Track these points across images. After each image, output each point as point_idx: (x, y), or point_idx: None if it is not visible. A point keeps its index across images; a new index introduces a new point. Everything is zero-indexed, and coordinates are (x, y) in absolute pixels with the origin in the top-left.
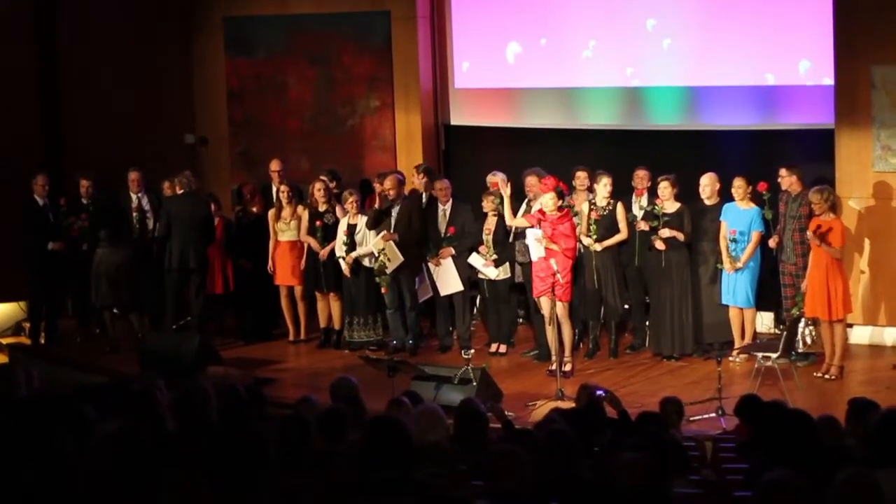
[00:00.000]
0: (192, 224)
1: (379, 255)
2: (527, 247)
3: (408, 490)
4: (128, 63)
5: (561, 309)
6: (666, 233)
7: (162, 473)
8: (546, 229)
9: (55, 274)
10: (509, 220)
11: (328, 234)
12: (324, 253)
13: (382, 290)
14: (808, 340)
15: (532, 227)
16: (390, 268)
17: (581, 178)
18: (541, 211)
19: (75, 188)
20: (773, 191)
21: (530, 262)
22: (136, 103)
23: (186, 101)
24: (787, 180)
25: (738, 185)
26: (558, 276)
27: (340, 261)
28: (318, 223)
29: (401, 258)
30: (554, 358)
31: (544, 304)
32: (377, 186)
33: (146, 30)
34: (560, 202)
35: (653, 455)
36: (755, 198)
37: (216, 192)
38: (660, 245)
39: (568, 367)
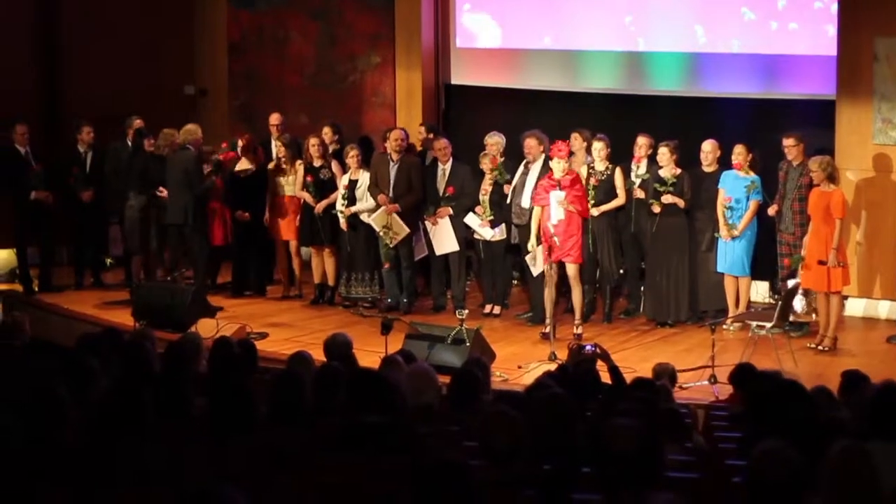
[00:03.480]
0: (175, 179)
1: (382, 231)
2: (523, 209)
3: (398, 440)
4: (128, 12)
5: (573, 270)
6: (668, 199)
7: (150, 426)
8: (566, 194)
9: (43, 223)
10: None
11: (322, 189)
12: (319, 207)
13: (385, 266)
14: (807, 309)
15: (553, 190)
16: (397, 240)
17: (578, 140)
18: (549, 176)
19: (73, 135)
20: (772, 161)
21: (526, 224)
22: (135, 53)
23: (187, 51)
24: (794, 149)
25: (739, 153)
26: (556, 239)
27: (339, 215)
28: (308, 178)
29: (406, 230)
30: (548, 321)
31: (556, 269)
32: (386, 143)
33: None
34: (567, 165)
35: (646, 421)
36: (754, 166)
37: (214, 143)
38: (656, 208)
39: (579, 331)
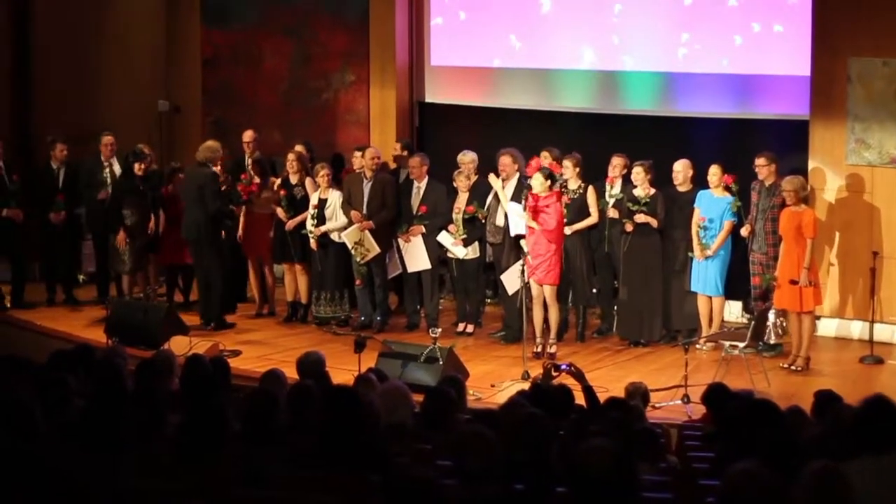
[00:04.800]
0: (190, 195)
1: (353, 248)
2: (497, 227)
3: (371, 464)
4: (102, 29)
5: (549, 292)
6: (641, 218)
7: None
8: (529, 204)
9: (15, 239)
10: (504, 203)
11: (295, 206)
12: (290, 224)
13: (357, 283)
14: (780, 332)
15: (514, 203)
16: (367, 258)
17: (547, 159)
18: (531, 192)
19: (46, 150)
20: (746, 181)
21: (500, 242)
22: (109, 70)
23: (161, 68)
24: (766, 169)
25: (713, 173)
26: (528, 256)
27: (309, 234)
28: (282, 192)
29: (378, 249)
30: (538, 340)
31: (534, 287)
32: (356, 160)
33: None
34: (549, 182)
35: (620, 441)
36: (729, 188)
37: (186, 160)
38: (629, 227)
39: (553, 350)
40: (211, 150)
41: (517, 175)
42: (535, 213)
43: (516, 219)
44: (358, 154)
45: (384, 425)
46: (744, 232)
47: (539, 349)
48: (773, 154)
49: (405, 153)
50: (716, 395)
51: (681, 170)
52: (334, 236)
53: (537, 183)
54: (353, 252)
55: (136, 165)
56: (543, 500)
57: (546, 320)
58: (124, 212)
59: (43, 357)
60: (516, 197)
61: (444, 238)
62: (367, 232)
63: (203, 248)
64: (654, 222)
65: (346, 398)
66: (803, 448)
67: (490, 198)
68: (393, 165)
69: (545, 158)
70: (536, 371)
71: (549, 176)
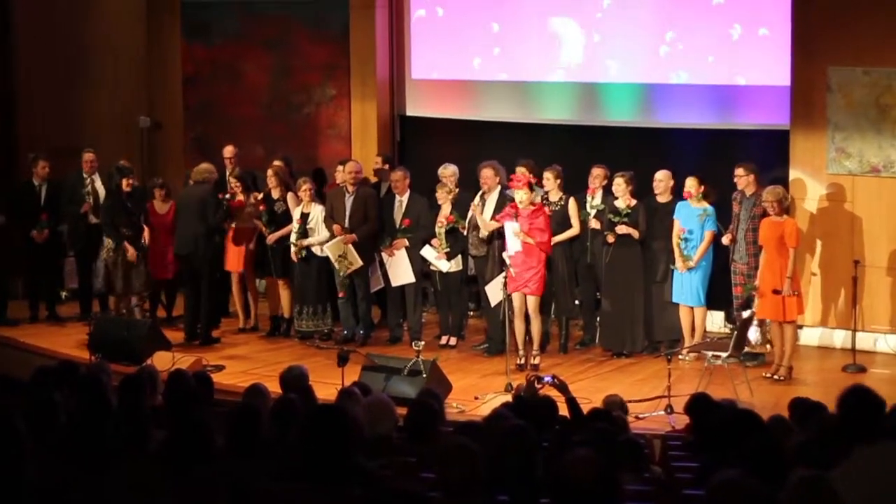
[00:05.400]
0: (190, 210)
1: (336, 261)
2: (480, 240)
3: (354, 479)
4: (83, 45)
5: (533, 303)
6: (622, 229)
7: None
8: (523, 224)
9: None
10: (485, 229)
11: (276, 221)
12: (271, 238)
13: (340, 295)
14: (763, 341)
15: (508, 221)
16: (350, 270)
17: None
18: (514, 206)
19: (28, 167)
20: (727, 191)
21: (483, 255)
22: (91, 85)
23: (141, 84)
24: (744, 179)
25: (690, 185)
26: (511, 270)
27: (292, 247)
28: (261, 207)
29: (360, 262)
30: (520, 352)
31: (515, 299)
32: (338, 175)
33: (103, 10)
34: (532, 195)
35: (604, 452)
36: (708, 196)
37: (168, 176)
38: (610, 238)
39: (536, 361)
40: (208, 171)
41: (499, 187)
42: (529, 229)
43: (512, 237)
44: (340, 168)
45: (368, 438)
46: (725, 241)
47: (522, 361)
48: (752, 164)
49: (386, 167)
50: (698, 405)
51: (662, 180)
52: (316, 250)
53: (525, 197)
54: (336, 265)
55: (125, 181)
56: None
57: (528, 332)
58: (122, 230)
59: (26, 374)
60: (499, 209)
61: (427, 252)
62: (350, 245)
63: (198, 263)
64: (635, 233)
65: (329, 415)
66: (788, 456)
67: (471, 211)
68: (374, 179)
69: (522, 172)
70: (519, 383)
71: (532, 189)
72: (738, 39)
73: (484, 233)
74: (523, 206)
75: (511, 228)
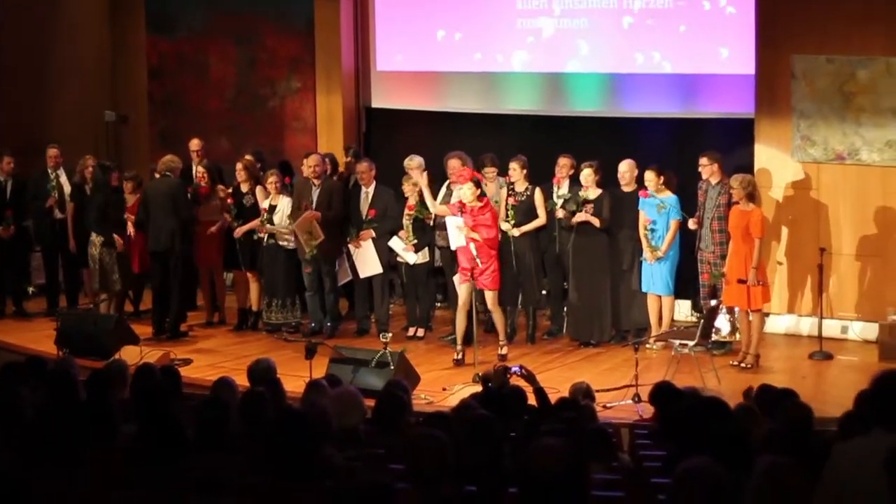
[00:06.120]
0: (160, 205)
1: (304, 239)
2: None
3: (322, 467)
4: (46, 40)
5: (490, 297)
6: (581, 216)
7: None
8: (467, 220)
9: None
10: (432, 208)
11: (244, 214)
12: (238, 232)
13: (306, 270)
14: (732, 329)
15: (453, 215)
16: (314, 245)
17: (490, 171)
18: (460, 202)
19: None
20: (693, 180)
21: (449, 246)
22: (54, 80)
23: (106, 78)
24: (708, 168)
25: (648, 179)
26: (478, 260)
27: (264, 237)
28: (229, 200)
29: (322, 236)
30: (459, 347)
31: (463, 291)
32: (305, 168)
33: (66, 4)
34: (478, 191)
35: (572, 441)
36: (669, 185)
37: (136, 170)
38: (572, 221)
39: (504, 352)
40: (173, 162)
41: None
42: (474, 224)
43: (455, 232)
44: (305, 161)
45: (336, 430)
46: (692, 225)
47: (459, 356)
48: (716, 153)
49: (351, 160)
50: (662, 393)
51: (626, 170)
52: (283, 242)
53: (469, 193)
54: (303, 244)
55: (114, 176)
56: (496, 501)
57: (470, 327)
58: (113, 224)
59: None
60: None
61: (395, 244)
62: (314, 221)
63: (171, 258)
64: (595, 221)
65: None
66: (753, 443)
67: (439, 199)
68: (343, 171)
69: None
70: (486, 370)
71: (478, 185)
72: (701, 28)
73: (432, 210)
74: (469, 201)
75: (453, 223)
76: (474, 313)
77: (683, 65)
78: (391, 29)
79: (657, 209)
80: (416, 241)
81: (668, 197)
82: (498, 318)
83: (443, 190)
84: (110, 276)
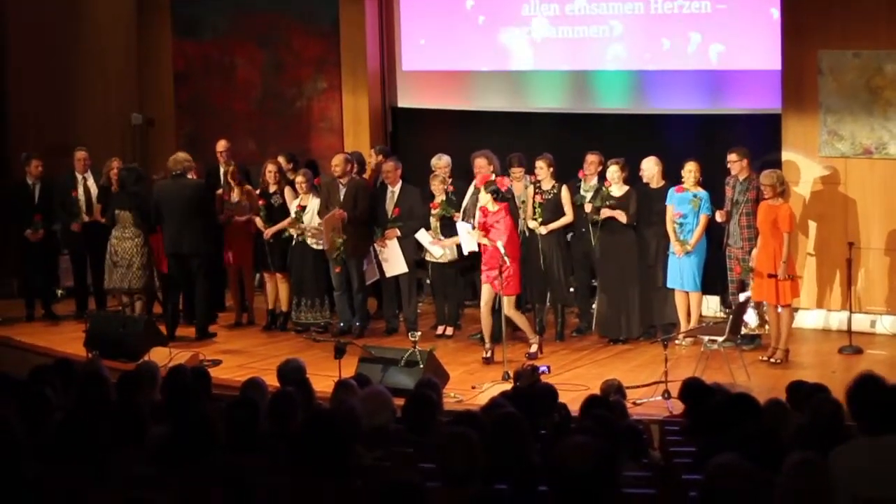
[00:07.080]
0: (175, 207)
1: (332, 238)
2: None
3: (350, 472)
4: (74, 44)
5: (507, 303)
6: (606, 212)
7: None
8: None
9: None
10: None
11: (274, 215)
12: (268, 233)
13: (336, 270)
14: (760, 321)
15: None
16: (339, 243)
17: (517, 171)
18: (482, 208)
19: (21, 166)
20: (720, 176)
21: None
22: (82, 83)
23: (133, 81)
24: (738, 165)
25: (690, 170)
26: (506, 258)
27: (290, 230)
28: (260, 202)
29: (343, 236)
30: (487, 345)
31: (485, 290)
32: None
33: (93, 8)
34: (496, 196)
35: (602, 439)
36: (698, 181)
37: (161, 173)
38: (599, 216)
39: (534, 349)
40: (186, 160)
41: (493, 176)
42: (484, 228)
43: (466, 237)
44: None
45: (366, 430)
46: (719, 218)
47: (488, 354)
48: (744, 149)
49: (381, 158)
50: (691, 390)
51: (647, 167)
52: (311, 242)
53: (483, 198)
54: (328, 241)
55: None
56: (526, 499)
57: (495, 326)
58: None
59: (24, 373)
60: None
61: (421, 236)
62: (340, 221)
63: (193, 260)
64: (621, 216)
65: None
66: (785, 440)
67: (466, 200)
68: (371, 171)
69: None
70: (516, 369)
71: (495, 191)
72: (728, 24)
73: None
74: (485, 204)
75: (463, 228)
76: (502, 311)
77: (710, 61)
78: (416, 28)
79: (691, 203)
80: (442, 237)
81: (699, 192)
82: (519, 320)
83: (470, 189)
84: (133, 271)
